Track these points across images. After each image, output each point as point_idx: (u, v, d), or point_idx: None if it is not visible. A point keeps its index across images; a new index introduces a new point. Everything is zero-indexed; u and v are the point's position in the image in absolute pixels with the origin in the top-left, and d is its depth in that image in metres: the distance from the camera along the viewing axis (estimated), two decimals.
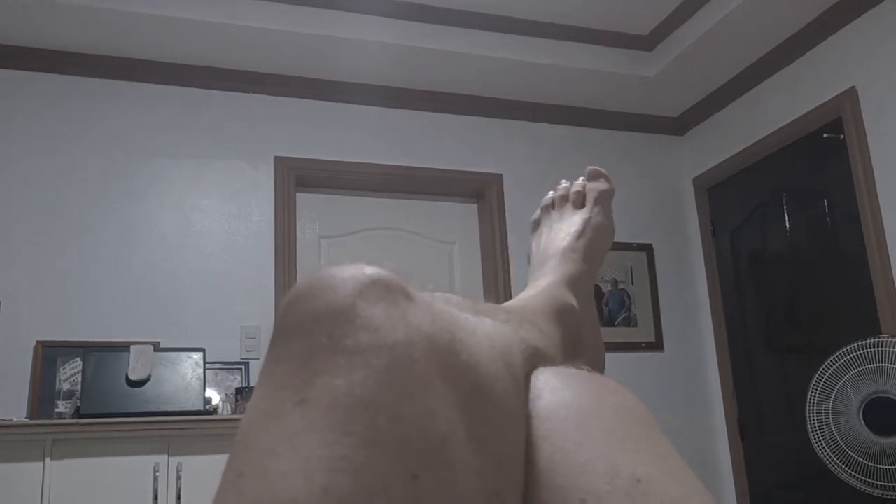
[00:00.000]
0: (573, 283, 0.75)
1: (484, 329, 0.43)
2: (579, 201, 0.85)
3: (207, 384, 3.04)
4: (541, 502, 0.39)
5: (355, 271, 0.38)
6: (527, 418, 0.42)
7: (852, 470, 2.78)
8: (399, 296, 0.38)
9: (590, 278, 0.79)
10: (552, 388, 0.45)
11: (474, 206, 4.01)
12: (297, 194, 3.64)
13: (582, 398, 0.45)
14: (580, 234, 0.81)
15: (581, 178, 0.88)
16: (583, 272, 0.77)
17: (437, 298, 0.42)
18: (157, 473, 2.65)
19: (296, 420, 0.33)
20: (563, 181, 0.90)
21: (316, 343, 0.35)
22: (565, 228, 0.82)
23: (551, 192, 0.89)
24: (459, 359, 0.38)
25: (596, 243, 0.81)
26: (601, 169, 0.87)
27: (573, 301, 0.71)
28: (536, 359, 0.49)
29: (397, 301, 0.37)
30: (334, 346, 0.35)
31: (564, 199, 0.87)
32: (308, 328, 0.36)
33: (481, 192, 3.95)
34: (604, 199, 0.85)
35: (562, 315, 0.66)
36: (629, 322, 4.00)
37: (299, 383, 0.34)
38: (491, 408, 0.38)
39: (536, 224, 0.89)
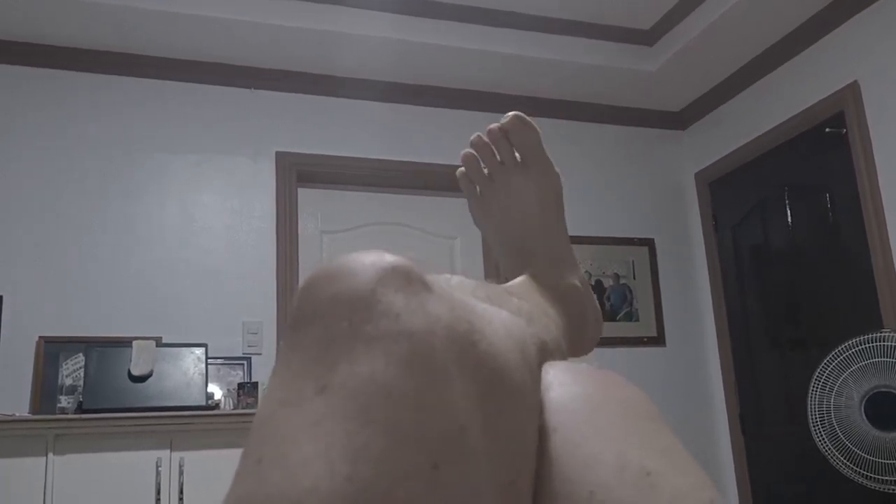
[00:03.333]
0: (560, 255, 0.74)
1: (501, 319, 0.43)
2: (511, 156, 0.77)
3: (210, 379, 3.05)
4: (551, 493, 0.39)
5: (376, 258, 0.38)
6: (539, 409, 0.43)
7: (853, 464, 2.78)
8: (418, 284, 0.38)
9: (567, 240, 0.76)
10: (562, 382, 0.45)
11: None
12: (299, 189, 3.64)
13: (590, 392, 0.45)
14: (538, 197, 0.75)
15: (493, 125, 0.78)
16: (561, 238, 0.75)
17: (451, 284, 0.42)
18: (160, 468, 2.65)
19: (316, 407, 0.32)
20: (479, 134, 0.79)
21: (336, 328, 0.35)
22: (519, 199, 0.76)
23: (470, 150, 0.80)
24: (478, 348, 0.38)
25: (557, 202, 0.77)
26: (520, 113, 0.77)
27: (572, 279, 0.71)
28: (546, 352, 0.49)
29: (416, 289, 0.37)
30: (354, 331, 0.35)
31: (491, 156, 0.78)
32: (327, 313, 0.35)
33: None
34: (535, 148, 0.77)
35: (566, 297, 0.67)
36: (631, 317, 4.00)
37: (319, 370, 0.34)
38: (507, 398, 0.38)
39: (474, 189, 0.81)
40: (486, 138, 0.78)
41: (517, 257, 0.76)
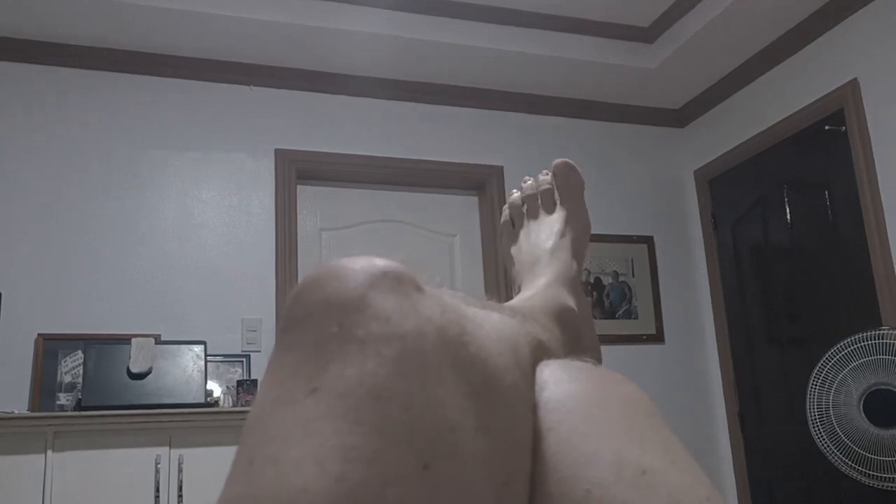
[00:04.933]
0: (567, 282, 0.75)
1: (492, 321, 0.43)
2: (550, 200, 0.85)
3: (208, 377, 3.05)
4: (546, 492, 0.39)
5: (366, 262, 0.38)
6: (533, 409, 0.42)
7: (852, 461, 2.78)
8: (409, 287, 0.38)
9: (579, 275, 0.80)
10: (557, 380, 0.45)
11: (475, 199, 4.01)
12: (298, 187, 3.64)
13: (587, 389, 0.45)
14: (562, 232, 0.81)
15: (545, 172, 0.86)
16: (572, 270, 0.78)
17: (445, 293, 0.43)
18: (159, 466, 2.65)
19: (308, 408, 0.33)
20: (529, 179, 0.88)
21: (327, 332, 0.35)
22: (546, 230, 0.82)
23: (517, 192, 0.88)
24: (469, 350, 0.38)
25: (578, 240, 0.82)
26: (569, 161, 0.85)
27: (571, 302, 0.71)
28: (541, 352, 0.49)
29: (407, 292, 0.37)
30: (345, 335, 0.35)
31: (534, 199, 0.86)
32: (319, 317, 0.36)
33: (482, 184, 3.95)
34: (575, 194, 0.85)
35: (562, 316, 0.67)
36: (630, 314, 4.00)
37: (311, 372, 0.34)
38: (500, 398, 0.39)
39: (510, 227, 0.88)
40: (534, 184, 0.86)
41: (526, 278, 0.79)
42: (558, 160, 0.85)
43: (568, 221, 0.82)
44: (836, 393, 2.84)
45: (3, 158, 3.22)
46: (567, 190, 0.84)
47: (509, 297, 0.75)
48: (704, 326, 4.12)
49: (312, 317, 0.36)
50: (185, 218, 3.40)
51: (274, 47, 3.50)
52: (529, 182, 0.87)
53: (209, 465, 2.66)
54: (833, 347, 2.88)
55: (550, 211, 0.84)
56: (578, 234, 0.82)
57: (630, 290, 4.04)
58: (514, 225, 0.88)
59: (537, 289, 0.73)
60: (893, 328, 2.82)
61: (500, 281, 3.75)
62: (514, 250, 0.85)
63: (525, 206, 0.87)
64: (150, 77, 3.49)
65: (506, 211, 0.89)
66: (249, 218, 3.49)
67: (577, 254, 0.81)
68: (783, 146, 3.68)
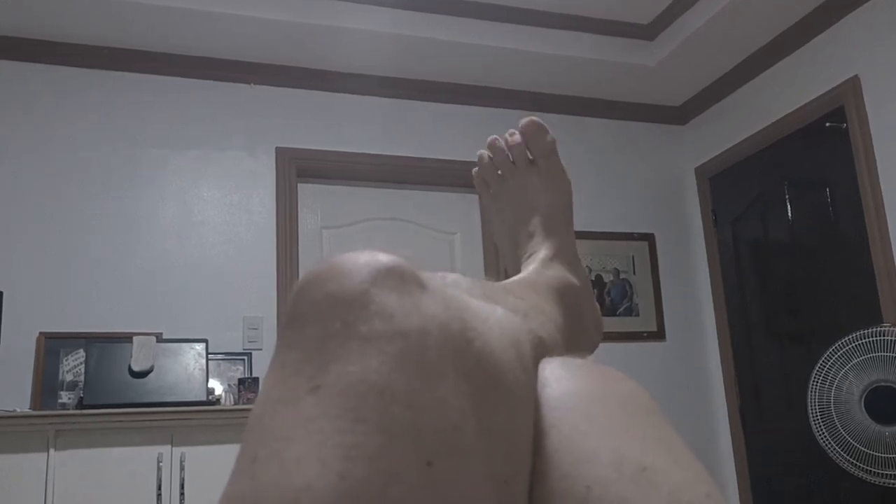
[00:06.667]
0: (564, 254, 0.75)
1: (496, 317, 0.43)
2: (524, 158, 0.80)
3: (210, 375, 3.05)
4: (548, 490, 0.39)
5: (369, 258, 0.38)
6: (534, 407, 0.43)
7: (853, 458, 2.78)
8: (412, 284, 0.38)
9: (573, 243, 0.78)
10: (558, 378, 0.45)
11: (475, 197, 4.01)
12: (299, 185, 3.64)
13: (588, 387, 0.45)
14: (551, 200, 0.78)
15: (511, 132, 0.82)
16: (568, 240, 0.77)
17: (447, 282, 0.42)
18: (161, 464, 2.65)
19: (310, 406, 0.33)
20: (495, 137, 0.83)
21: (329, 329, 0.35)
22: (532, 197, 0.79)
23: (486, 151, 0.83)
24: (472, 347, 0.38)
25: (566, 205, 0.80)
26: (537, 119, 0.80)
27: (572, 277, 0.71)
28: (542, 349, 0.49)
29: (411, 289, 0.37)
30: (348, 332, 0.35)
31: (504, 155, 0.81)
32: (321, 313, 0.36)
33: None
34: (551, 153, 0.81)
35: (564, 294, 0.67)
36: (631, 312, 4.00)
37: (313, 369, 0.34)
38: (502, 396, 0.39)
39: (486, 189, 0.84)
40: (501, 142, 0.82)
41: (521, 252, 0.78)
42: (526, 119, 0.81)
43: (547, 183, 0.79)
44: (836, 390, 2.84)
45: (2, 158, 3.23)
46: (538, 147, 0.80)
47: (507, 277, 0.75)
48: (705, 324, 4.12)
49: (315, 313, 0.36)
50: (185, 216, 3.40)
51: (274, 45, 3.50)
52: (495, 138, 0.83)
53: (211, 463, 2.67)
54: (834, 344, 2.88)
55: (525, 171, 0.80)
56: (562, 198, 0.79)
57: (631, 287, 4.04)
58: (490, 186, 0.84)
59: (537, 262, 0.72)
60: (894, 325, 2.82)
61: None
62: (501, 224, 0.83)
63: (497, 168, 0.83)
64: (150, 76, 3.49)
65: (476, 172, 0.85)
66: (250, 216, 3.50)
67: (568, 221, 0.79)
68: (784, 143, 3.67)
